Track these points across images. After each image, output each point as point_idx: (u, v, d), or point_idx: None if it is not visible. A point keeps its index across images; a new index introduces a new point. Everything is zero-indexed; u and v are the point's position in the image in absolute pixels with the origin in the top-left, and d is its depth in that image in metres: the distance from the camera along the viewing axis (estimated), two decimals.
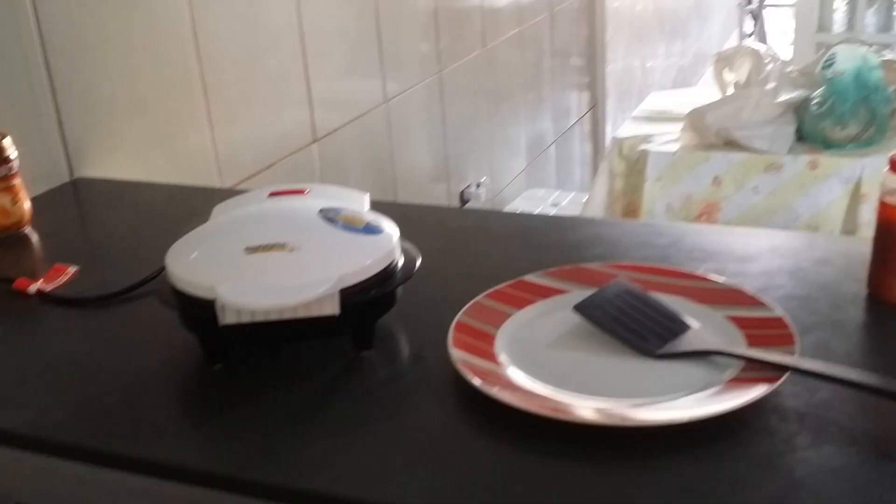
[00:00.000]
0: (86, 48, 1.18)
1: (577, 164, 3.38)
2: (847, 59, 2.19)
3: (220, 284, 0.66)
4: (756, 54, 2.42)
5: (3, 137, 1.01)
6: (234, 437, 0.64)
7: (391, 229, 0.74)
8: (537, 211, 2.65)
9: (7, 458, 0.69)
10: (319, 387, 0.70)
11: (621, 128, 2.70)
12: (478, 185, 2.43)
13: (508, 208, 2.66)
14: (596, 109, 3.49)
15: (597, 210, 2.50)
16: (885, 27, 3.36)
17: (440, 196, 2.26)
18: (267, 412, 0.67)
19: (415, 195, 2.09)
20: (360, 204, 0.79)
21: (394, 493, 0.59)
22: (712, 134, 2.28)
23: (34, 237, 1.03)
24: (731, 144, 2.29)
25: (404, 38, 2.00)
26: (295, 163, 1.61)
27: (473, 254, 0.92)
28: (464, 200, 2.38)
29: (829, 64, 2.22)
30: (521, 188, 2.79)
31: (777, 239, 0.91)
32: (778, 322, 0.70)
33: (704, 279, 0.78)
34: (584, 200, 2.61)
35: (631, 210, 2.44)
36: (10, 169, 1.01)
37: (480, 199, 2.42)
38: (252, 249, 0.68)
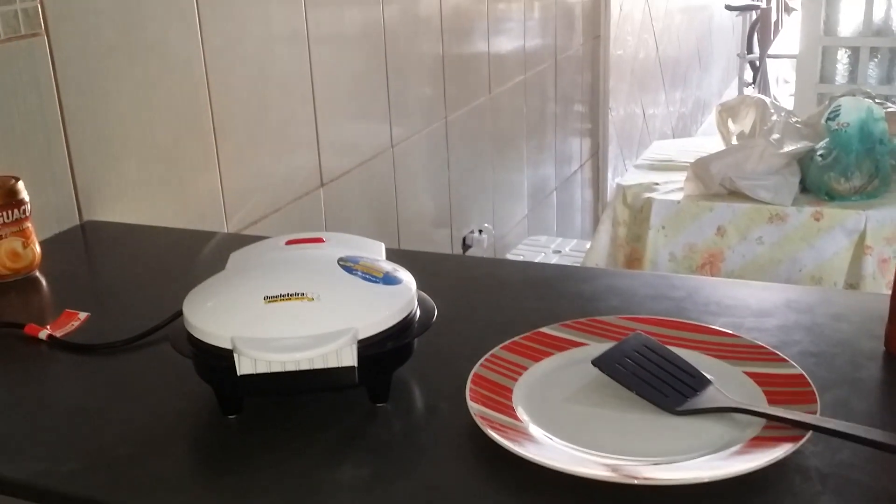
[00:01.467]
0: (99, 93, 1.19)
1: (578, 211, 3.39)
2: (852, 110, 2.20)
3: (238, 334, 0.66)
4: (761, 105, 2.43)
5: (17, 181, 1.01)
6: (250, 492, 0.63)
7: (409, 280, 0.74)
8: (539, 258, 2.65)
9: None
10: (335, 439, 0.69)
11: (626, 175, 2.71)
12: (480, 231, 2.43)
13: (510, 255, 2.66)
14: (598, 156, 3.51)
15: (599, 258, 2.50)
16: (887, 79, 3.39)
17: (443, 241, 2.27)
18: (282, 465, 0.66)
19: (417, 240, 2.09)
20: (376, 253, 0.79)
21: None
22: (716, 184, 2.29)
23: (44, 281, 1.02)
24: (735, 194, 2.29)
25: (412, 84, 2.01)
26: (301, 207, 1.62)
27: (486, 304, 0.92)
28: (466, 246, 2.38)
29: (833, 115, 2.23)
30: (523, 234, 2.80)
31: (791, 293, 0.91)
32: (798, 379, 0.69)
33: (722, 334, 0.77)
34: (586, 247, 2.62)
35: (634, 259, 2.44)
36: (24, 212, 1.00)
37: (483, 245, 2.42)
38: (271, 299, 0.68)
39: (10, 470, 0.67)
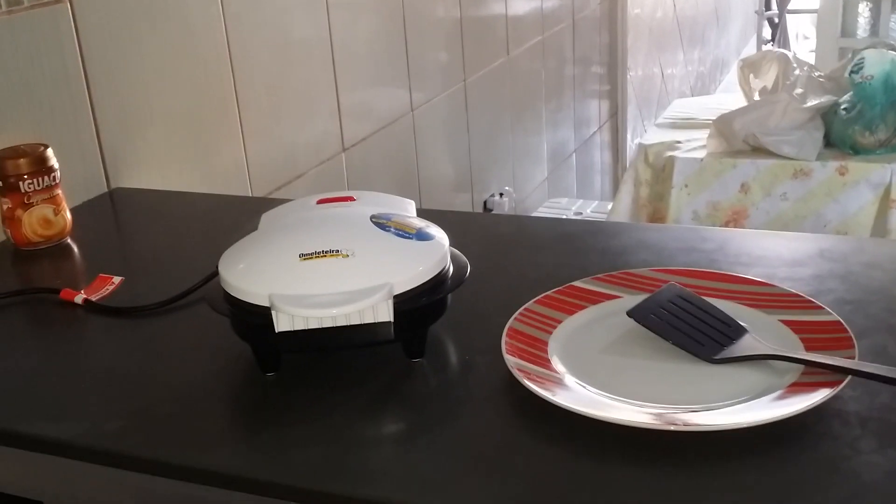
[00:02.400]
0: (123, 62, 1.19)
1: (598, 173, 3.37)
2: (875, 63, 2.17)
3: (275, 291, 0.66)
4: (783, 59, 2.41)
5: (46, 148, 1.01)
6: (291, 446, 0.64)
7: (441, 236, 0.74)
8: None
9: (61, 468, 0.69)
10: (373, 394, 0.69)
11: (647, 134, 2.70)
12: (501, 195, 2.42)
13: None
14: (616, 117, 3.48)
15: (622, 218, 2.49)
16: None
17: (464, 205, 2.26)
18: (323, 420, 0.66)
19: (439, 204, 2.09)
20: (407, 210, 0.79)
21: (454, 501, 0.58)
22: (740, 140, 2.27)
23: (76, 247, 1.03)
24: (758, 151, 2.27)
25: (430, 47, 2.00)
26: (324, 172, 1.62)
27: (517, 260, 0.92)
28: (487, 209, 2.38)
29: (857, 69, 2.20)
30: (543, 197, 2.79)
31: (824, 243, 0.90)
32: (835, 326, 0.69)
33: (756, 283, 0.77)
34: (608, 209, 2.61)
35: (657, 218, 2.43)
36: (54, 179, 1.01)
37: (504, 209, 2.41)
38: (306, 256, 0.68)
39: (53, 430, 0.68)
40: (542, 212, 2.73)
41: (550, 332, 0.73)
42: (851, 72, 2.22)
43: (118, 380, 0.75)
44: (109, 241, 1.09)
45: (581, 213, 2.72)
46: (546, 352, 0.71)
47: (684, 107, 2.79)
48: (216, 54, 1.34)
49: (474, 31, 2.19)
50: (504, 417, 0.66)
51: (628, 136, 3.54)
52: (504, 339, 0.70)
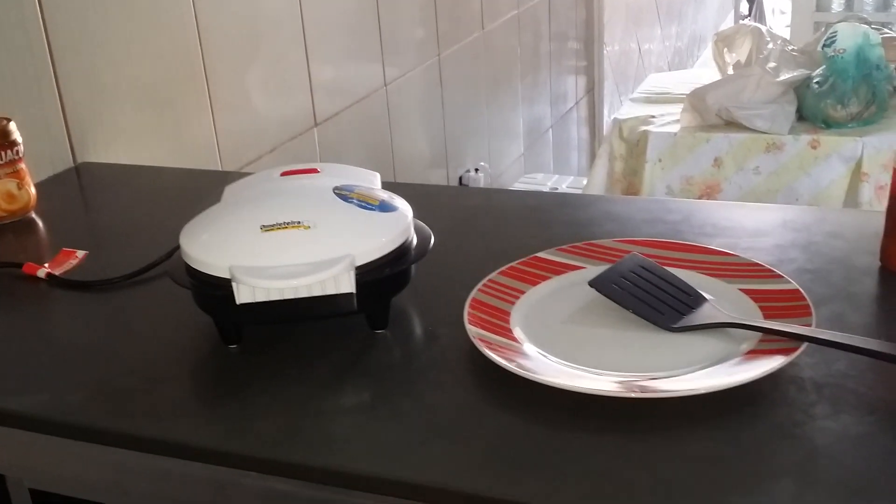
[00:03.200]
0: (89, 34, 1.18)
1: (574, 149, 3.37)
2: (848, 37, 2.18)
3: (235, 263, 0.66)
4: (757, 33, 2.41)
5: (9, 122, 1.00)
6: (253, 417, 0.64)
7: (405, 207, 0.74)
8: None
9: (22, 440, 0.69)
10: (335, 366, 0.69)
11: (621, 109, 2.70)
12: (476, 170, 2.42)
13: None
14: (593, 93, 3.48)
15: (597, 192, 2.50)
16: (883, 6, 3.36)
17: (439, 180, 2.26)
18: (284, 392, 0.67)
19: (414, 179, 2.09)
20: (372, 182, 0.79)
21: (414, 469, 0.59)
22: (713, 114, 2.28)
23: (40, 222, 1.03)
24: (731, 125, 2.28)
25: (403, 21, 1.99)
26: (296, 147, 1.61)
27: (483, 232, 0.92)
28: (462, 185, 2.38)
29: (829, 42, 2.21)
30: (519, 173, 2.79)
31: (788, 213, 0.91)
32: (793, 294, 0.70)
33: (717, 253, 0.77)
34: (583, 184, 2.61)
35: (631, 192, 2.43)
36: (17, 153, 1.00)
37: (479, 184, 2.41)
38: (268, 228, 0.68)
39: (13, 403, 0.68)
40: (518, 187, 2.73)
41: (513, 303, 0.73)
42: (824, 45, 2.23)
43: (80, 353, 0.75)
44: (74, 215, 1.08)
45: (557, 189, 2.72)
46: (508, 322, 0.71)
47: (659, 81, 2.80)
48: (184, 27, 1.32)
49: (448, 4, 2.18)
50: (466, 387, 0.67)
51: (605, 112, 3.54)
52: (467, 309, 0.71)
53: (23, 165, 1.01)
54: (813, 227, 0.87)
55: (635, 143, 2.41)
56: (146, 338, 0.76)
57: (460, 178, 2.37)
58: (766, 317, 0.68)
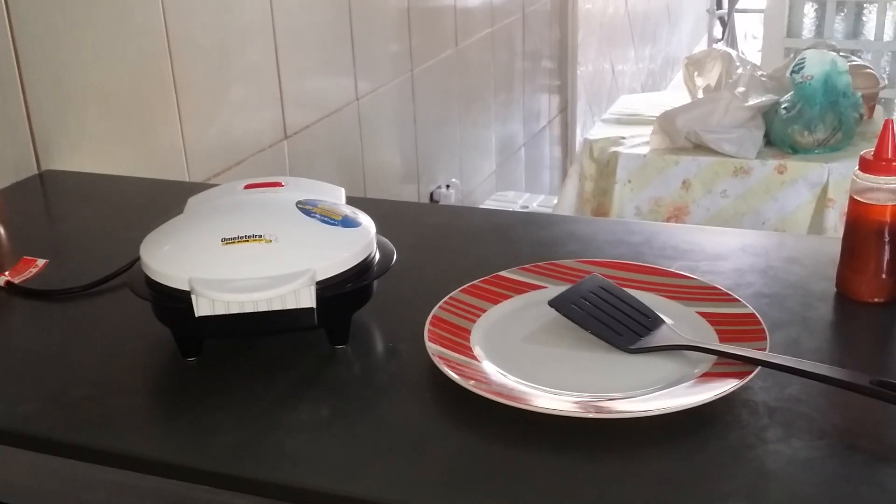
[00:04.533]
0: (56, 40, 1.17)
1: (547, 168, 3.39)
2: (816, 63, 2.22)
3: (195, 275, 0.66)
4: (727, 58, 2.44)
5: None
6: (210, 431, 0.64)
7: (368, 223, 0.74)
8: None
9: None
10: (294, 381, 0.69)
11: (592, 129, 2.72)
12: (447, 187, 2.43)
13: None
14: (566, 112, 3.51)
15: (566, 212, 2.51)
16: (853, 33, 3.41)
17: (410, 196, 2.26)
18: (242, 406, 0.66)
19: (384, 195, 2.09)
20: (336, 197, 0.79)
21: (371, 486, 0.59)
22: (682, 137, 2.30)
23: (1, 229, 1.01)
24: (700, 148, 2.31)
25: (376, 35, 2.00)
26: (265, 160, 1.60)
27: (448, 249, 0.92)
28: (434, 201, 2.38)
29: (798, 69, 2.24)
30: (491, 190, 2.80)
31: (747, 238, 0.92)
32: (749, 318, 0.71)
33: (677, 276, 0.78)
34: (554, 202, 2.63)
35: (601, 213, 2.45)
36: None
37: (450, 201, 2.42)
38: (228, 241, 0.68)
39: None
40: (489, 204, 2.74)
41: (474, 321, 0.74)
42: (792, 71, 2.26)
43: (36, 362, 0.74)
44: (37, 223, 1.07)
45: (528, 207, 2.73)
46: (468, 340, 0.71)
47: (630, 103, 2.82)
48: (154, 35, 1.32)
49: (422, 20, 2.19)
50: (424, 404, 0.67)
51: (578, 132, 3.56)
52: (427, 326, 0.71)
53: None
54: (772, 252, 0.88)
55: (605, 164, 2.43)
56: (104, 348, 0.76)
57: (431, 195, 2.37)
58: (723, 340, 0.69)
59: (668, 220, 2.35)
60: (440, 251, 0.92)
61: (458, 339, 0.71)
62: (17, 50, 1.12)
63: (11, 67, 1.11)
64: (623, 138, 2.46)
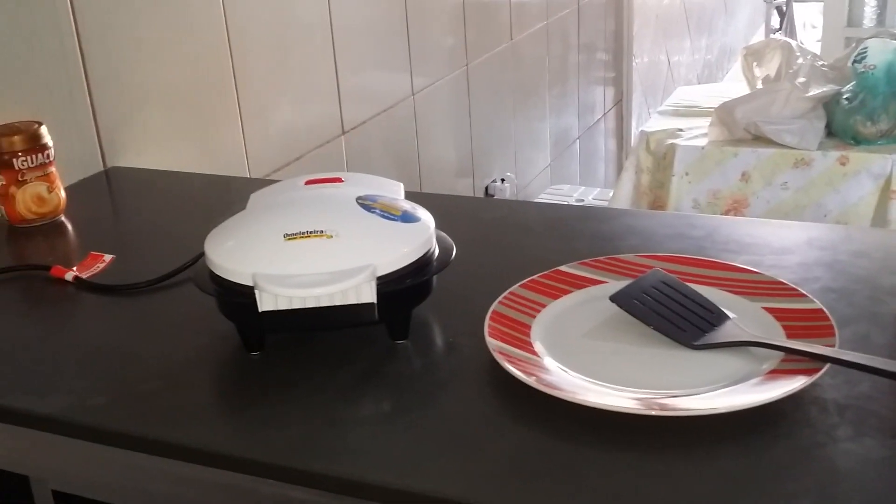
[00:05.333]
0: (120, 40, 1.19)
1: (601, 161, 3.37)
2: (879, 53, 2.16)
3: (258, 270, 0.66)
4: (786, 48, 2.40)
5: (40, 126, 1.02)
6: (272, 424, 0.65)
7: (427, 218, 0.74)
8: None
9: (46, 443, 0.69)
10: (356, 375, 0.70)
11: (649, 122, 2.69)
12: (502, 181, 2.42)
13: None
14: (621, 105, 3.47)
15: (622, 205, 2.49)
16: None
17: (465, 191, 2.26)
18: (304, 400, 0.67)
19: (440, 189, 2.09)
20: (395, 193, 0.79)
21: (432, 481, 0.59)
22: (741, 129, 2.26)
23: (69, 225, 1.04)
24: (760, 139, 2.27)
25: (432, 31, 2.00)
26: (323, 155, 1.62)
27: (506, 244, 0.92)
28: (489, 195, 2.38)
29: (860, 58, 2.19)
30: (546, 184, 2.79)
31: (813, 231, 0.91)
32: (817, 314, 0.69)
33: (741, 270, 0.77)
34: (609, 196, 2.60)
35: (658, 206, 2.42)
36: (48, 156, 1.02)
37: (505, 195, 2.41)
38: (291, 236, 0.68)
39: (38, 405, 0.69)
40: (544, 198, 2.73)
41: (534, 316, 0.73)
42: (854, 61, 2.21)
43: (104, 356, 0.76)
44: (103, 219, 1.10)
45: (583, 200, 2.71)
46: (529, 335, 0.71)
47: (687, 94, 2.78)
48: (215, 34, 1.34)
49: (477, 14, 2.18)
50: (485, 400, 0.67)
51: (633, 124, 3.53)
52: (487, 322, 0.71)
53: (53, 169, 1.03)
54: (838, 246, 0.86)
55: (662, 156, 2.40)
56: (169, 343, 0.77)
57: (486, 189, 2.37)
58: (789, 336, 0.68)
59: (726, 212, 2.32)
60: (498, 246, 0.92)
61: (519, 335, 0.71)
62: (83, 50, 1.14)
63: (78, 68, 1.14)
64: (680, 130, 2.43)
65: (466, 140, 2.22)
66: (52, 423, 0.68)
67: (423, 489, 0.58)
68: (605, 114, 3.32)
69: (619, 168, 3.35)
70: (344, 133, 1.68)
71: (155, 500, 0.68)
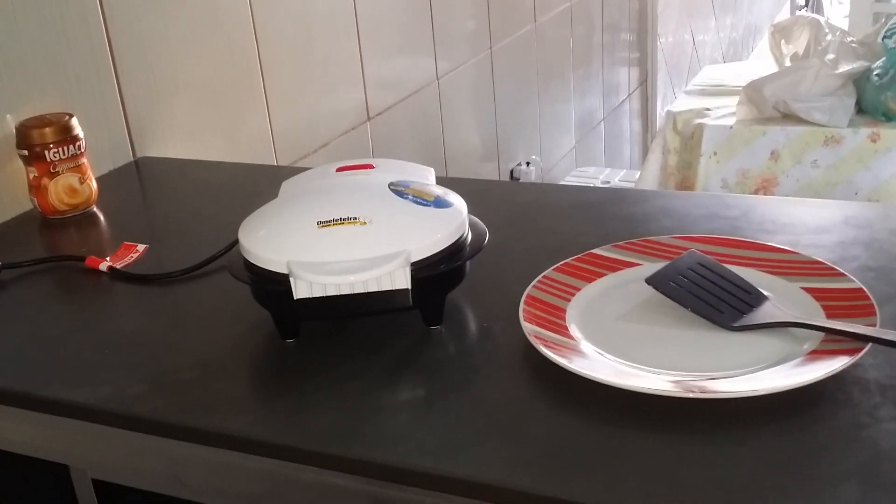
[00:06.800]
0: (148, 32, 1.19)
1: (626, 142, 3.34)
2: None
3: (293, 258, 0.66)
4: (815, 24, 2.36)
5: (71, 118, 1.02)
6: (310, 411, 0.65)
7: (460, 203, 0.74)
8: None
9: (85, 432, 0.70)
10: (391, 362, 0.70)
11: (676, 102, 2.66)
12: (528, 164, 2.41)
13: None
14: (646, 85, 3.44)
15: (649, 186, 2.47)
16: None
17: (490, 174, 2.26)
18: (340, 386, 0.67)
19: (465, 173, 2.09)
20: (426, 178, 0.79)
21: (469, 466, 0.59)
22: (770, 107, 2.24)
23: (101, 216, 1.04)
24: (789, 117, 2.24)
25: (455, 14, 1.99)
26: (349, 141, 1.62)
27: (538, 228, 0.91)
28: (514, 178, 2.37)
29: (890, 34, 2.15)
30: (571, 166, 2.77)
31: (849, 210, 0.89)
32: (857, 293, 0.68)
33: (779, 250, 0.76)
34: (636, 177, 2.59)
35: (685, 186, 2.40)
36: (79, 148, 1.02)
37: (530, 178, 2.40)
38: (324, 223, 0.68)
39: (76, 395, 0.70)
40: (570, 181, 2.71)
41: (569, 300, 0.73)
42: (884, 37, 2.18)
43: (141, 345, 0.76)
44: (134, 209, 1.10)
45: (609, 182, 2.70)
46: (564, 319, 0.71)
47: (714, 73, 2.75)
48: (241, 24, 1.34)
49: None
50: (520, 384, 0.67)
51: (658, 105, 3.50)
52: (522, 306, 0.70)
53: (84, 160, 1.03)
54: (876, 224, 0.85)
55: (690, 137, 2.38)
56: (205, 331, 0.77)
57: (511, 172, 2.36)
58: (829, 316, 0.67)
59: (755, 192, 2.29)
60: (529, 230, 0.91)
61: (554, 319, 0.70)
62: (112, 42, 1.14)
63: (106, 59, 1.14)
64: (708, 109, 2.40)
65: (491, 124, 2.21)
66: (91, 413, 0.69)
67: (462, 475, 0.58)
68: (629, 95, 3.29)
69: (645, 149, 3.33)
70: (370, 119, 1.68)
71: (193, 488, 0.69)
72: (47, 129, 1.00)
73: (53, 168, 1.00)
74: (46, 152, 1.00)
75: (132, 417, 0.67)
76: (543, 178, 2.53)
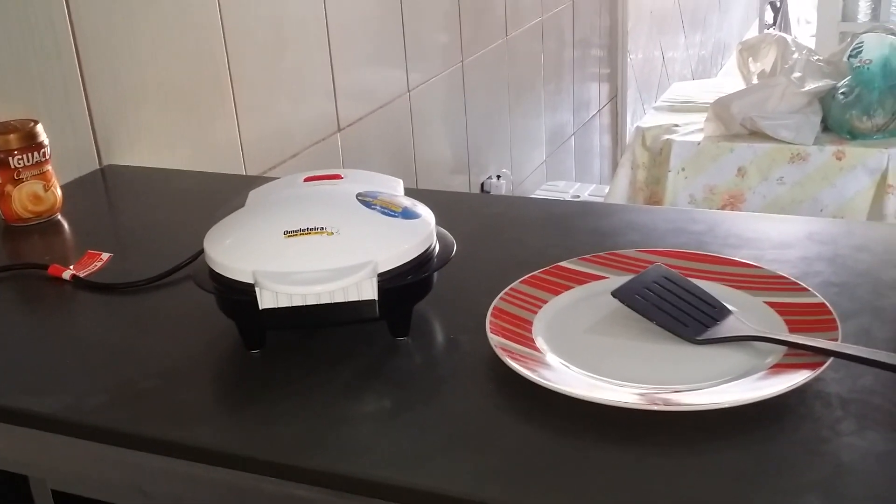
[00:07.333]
0: (115, 38, 1.19)
1: (596, 157, 3.37)
2: (874, 47, 2.17)
3: (259, 268, 0.66)
4: (782, 43, 2.40)
5: (36, 124, 1.01)
6: (274, 422, 0.64)
7: (428, 214, 0.74)
8: None
9: (44, 441, 0.69)
10: (357, 372, 0.69)
11: (645, 118, 2.69)
12: (498, 177, 2.42)
13: None
14: (616, 101, 3.47)
15: (619, 201, 2.49)
16: None
17: (461, 187, 2.26)
18: (305, 397, 0.67)
19: (436, 186, 2.09)
20: (394, 189, 0.79)
21: (434, 477, 0.58)
22: (737, 124, 2.27)
23: (66, 223, 1.03)
24: (756, 134, 2.27)
25: (427, 27, 1.99)
26: (319, 152, 1.61)
27: (506, 240, 0.92)
28: (484, 192, 2.38)
29: (856, 53, 2.19)
30: (541, 180, 2.79)
31: (814, 226, 0.90)
32: (819, 308, 0.69)
33: (743, 265, 0.77)
34: (605, 192, 2.60)
35: (654, 202, 2.42)
36: (44, 155, 1.01)
37: (501, 191, 2.41)
38: (291, 233, 0.68)
39: (37, 404, 0.68)
40: (540, 194, 2.72)
41: (535, 312, 0.73)
42: (850, 56, 2.22)
43: (103, 355, 0.75)
44: (100, 217, 1.09)
45: (579, 196, 2.71)
46: (530, 331, 0.71)
47: (683, 90, 2.78)
48: (210, 31, 1.33)
49: (472, 11, 2.18)
50: (487, 396, 0.67)
51: (628, 120, 3.53)
52: (488, 318, 0.71)
53: (49, 167, 1.02)
54: (839, 240, 0.86)
55: (658, 152, 2.40)
56: (169, 341, 0.76)
57: (482, 185, 2.37)
58: (792, 330, 0.67)
59: (722, 208, 2.32)
60: (497, 242, 0.91)
61: (521, 331, 0.70)
62: (78, 47, 1.13)
63: (73, 65, 1.13)
64: (676, 126, 2.43)
65: (462, 136, 2.22)
66: (51, 423, 0.67)
67: (428, 486, 0.58)
68: (599, 110, 3.32)
69: (615, 164, 3.35)
70: (340, 130, 1.68)
71: (155, 500, 0.68)
72: (11, 136, 0.99)
73: (17, 175, 0.99)
74: (10, 159, 0.99)
75: (93, 427, 0.66)
76: (514, 191, 2.54)
